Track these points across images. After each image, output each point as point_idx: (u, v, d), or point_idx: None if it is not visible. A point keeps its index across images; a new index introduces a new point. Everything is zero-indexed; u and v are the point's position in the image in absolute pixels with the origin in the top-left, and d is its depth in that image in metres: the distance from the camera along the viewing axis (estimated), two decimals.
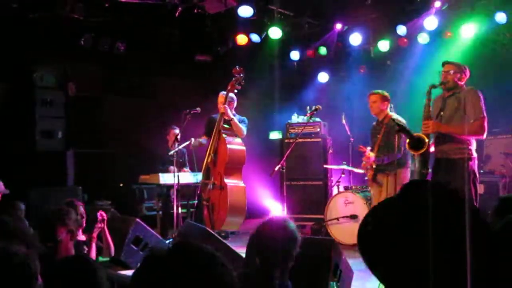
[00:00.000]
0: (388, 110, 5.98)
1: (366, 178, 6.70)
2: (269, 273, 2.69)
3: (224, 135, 6.52)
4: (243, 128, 6.68)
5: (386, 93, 5.99)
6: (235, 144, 6.58)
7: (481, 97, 4.89)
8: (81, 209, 4.43)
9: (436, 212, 1.27)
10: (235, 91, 6.67)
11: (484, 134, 4.89)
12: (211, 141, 6.57)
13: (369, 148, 6.02)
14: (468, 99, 4.87)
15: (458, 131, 4.88)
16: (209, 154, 6.55)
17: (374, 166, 5.80)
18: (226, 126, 6.62)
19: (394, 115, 5.86)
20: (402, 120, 5.73)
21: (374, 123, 6.12)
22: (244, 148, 6.66)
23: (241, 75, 6.55)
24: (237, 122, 6.63)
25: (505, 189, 7.17)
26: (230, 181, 6.42)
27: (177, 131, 7.71)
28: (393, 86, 8.47)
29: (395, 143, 5.54)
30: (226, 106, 6.56)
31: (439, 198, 1.30)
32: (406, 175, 5.74)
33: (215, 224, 6.37)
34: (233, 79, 6.55)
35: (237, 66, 6.62)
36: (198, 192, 6.94)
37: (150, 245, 5.43)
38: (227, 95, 6.61)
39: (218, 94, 6.84)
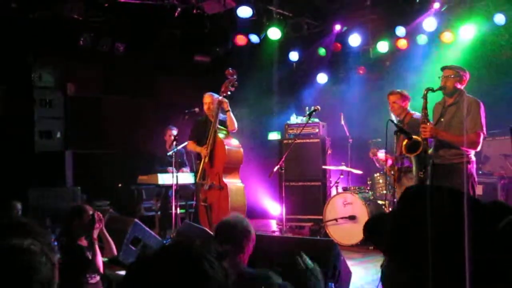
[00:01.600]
0: (409, 108, 5.87)
1: (388, 178, 6.63)
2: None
3: (220, 135, 6.51)
4: (235, 122, 6.62)
5: (405, 92, 5.91)
6: (233, 146, 6.59)
7: (483, 109, 4.85)
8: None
9: (438, 215, 1.28)
10: (229, 93, 6.64)
11: (477, 148, 4.88)
12: (207, 142, 6.55)
13: (381, 150, 5.88)
14: (470, 110, 4.85)
15: (454, 140, 4.87)
16: (205, 155, 6.53)
17: (396, 169, 5.63)
18: (221, 127, 6.61)
19: (416, 114, 5.71)
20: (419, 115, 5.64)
21: (396, 123, 5.91)
22: (241, 148, 6.66)
23: (234, 76, 6.51)
24: (232, 115, 6.58)
25: (503, 191, 7.17)
26: (229, 181, 6.41)
27: (174, 131, 7.72)
28: (392, 87, 8.45)
29: None
30: (223, 98, 6.48)
31: (441, 201, 1.31)
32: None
33: (214, 225, 6.34)
34: (226, 80, 6.51)
35: (230, 68, 6.59)
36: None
37: (148, 246, 5.44)
38: (221, 97, 6.56)
39: (204, 94, 6.77)
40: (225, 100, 6.48)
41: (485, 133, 4.88)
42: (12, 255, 1.59)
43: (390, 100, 5.89)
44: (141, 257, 1.38)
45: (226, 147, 6.38)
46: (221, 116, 6.58)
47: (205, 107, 6.67)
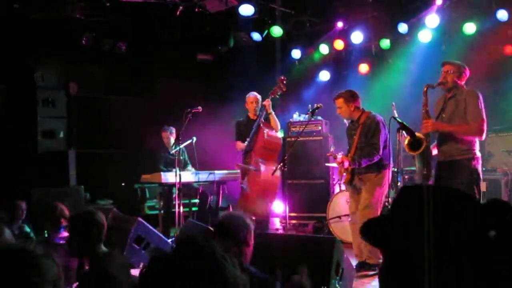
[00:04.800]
0: (361, 106, 5.63)
1: (342, 182, 6.62)
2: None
3: (264, 129, 6.81)
4: (279, 123, 7.03)
5: (349, 91, 5.64)
6: (273, 134, 6.93)
7: (481, 99, 4.84)
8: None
9: (437, 214, 1.27)
10: (277, 96, 7.01)
11: (482, 136, 4.85)
12: (251, 134, 6.86)
13: (341, 153, 5.70)
14: (469, 100, 4.83)
15: (457, 131, 4.85)
16: (249, 144, 6.88)
17: (349, 170, 5.48)
18: (265, 121, 6.93)
19: (373, 113, 5.61)
20: (381, 118, 5.53)
21: (350, 123, 5.80)
22: (280, 138, 7.08)
23: (284, 82, 6.88)
24: (275, 117, 6.96)
25: (507, 187, 7.15)
26: (265, 166, 6.72)
27: (168, 131, 7.78)
28: (395, 84, 8.45)
29: (373, 143, 5.36)
30: (269, 99, 6.86)
31: (439, 201, 1.31)
32: (387, 176, 5.46)
33: (248, 208, 6.48)
34: (276, 86, 6.89)
35: (282, 76, 7.07)
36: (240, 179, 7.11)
37: (152, 244, 5.44)
38: (269, 98, 6.89)
39: (249, 95, 7.13)
40: (268, 102, 6.85)
41: (485, 120, 4.85)
42: (22, 257, 1.61)
43: (336, 105, 5.67)
44: (156, 257, 1.39)
45: (265, 130, 6.75)
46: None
47: (253, 106, 7.07)
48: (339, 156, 5.63)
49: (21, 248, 1.68)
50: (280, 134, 9.36)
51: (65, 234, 4.30)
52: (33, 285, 1.59)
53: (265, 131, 6.76)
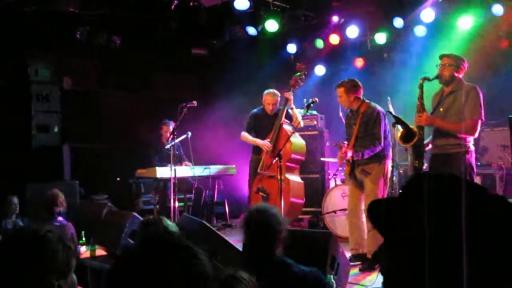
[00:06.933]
0: (362, 96, 5.63)
1: (342, 173, 6.63)
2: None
3: (286, 127, 6.54)
4: (300, 117, 6.71)
5: (352, 81, 5.65)
6: (297, 140, 6.63)
7: (481, 96, 4.82)
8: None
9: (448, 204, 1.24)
10: (297, 87, 6.70)
11: (475, 134, 4.85)
12: (271, 134, 6.53)
13: (346, 142, 5.65)
14: (468, 97, 4.81)
15: (451, 128, 4.85)
16: (268, 149, 6.49)
17: (351, 161, 5.47)
18: (287, 120, 6.67)
19: (373, 103, 5.59)
20: (381, 109, 5.52)
21: (349, 112, 5.79)
22: (304, 144, 6.70)
23: (304, 69, 6.66)
24: (297, 111, 6.69)
25: (502, 181, 7.17)
26: (291, 176, 6.41)
27: (170, 126, 7.73)
28: (390, 79, 8.45)
29: (375, 133, 5.36)
30: (291, 92, 6.59)
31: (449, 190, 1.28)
32: (387, 167, 5.47)
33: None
34: (297, 74, 6.62)
35: (299, 62, 6.76)
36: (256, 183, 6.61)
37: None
38: (289, 90, 6.61)
39: (267, 94, 6.77)
40: (291, 96, 6.56)
41: (483, 118, 4.85)
42: (28, 242, 1.59)
43: (337, 94, 5.70)
44: (122, 256, 1.34)
45: (292, 139, 6.37)
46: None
47: (269, 107, 6.67)
48: (344, 145, 5.58)
49: (33, 231, 1.66)
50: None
51: (60, 219, 4.39)
52: (37, 268, 1.57)
53: (291, 140, 6.34)
